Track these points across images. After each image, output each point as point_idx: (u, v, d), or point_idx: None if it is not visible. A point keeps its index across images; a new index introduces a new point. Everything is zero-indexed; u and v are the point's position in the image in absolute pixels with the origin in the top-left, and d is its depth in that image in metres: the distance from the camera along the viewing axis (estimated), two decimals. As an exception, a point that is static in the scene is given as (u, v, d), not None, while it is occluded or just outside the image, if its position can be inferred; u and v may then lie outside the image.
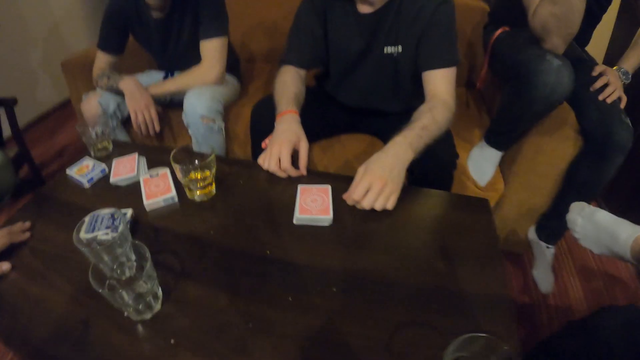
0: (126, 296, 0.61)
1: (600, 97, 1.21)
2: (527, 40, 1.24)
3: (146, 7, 1.42)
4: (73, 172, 0.98)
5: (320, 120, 1.33)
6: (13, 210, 0.82)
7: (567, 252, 1.66)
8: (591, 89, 1.24)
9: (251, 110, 1.27)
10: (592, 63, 1.37)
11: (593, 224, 0.93)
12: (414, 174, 1.07)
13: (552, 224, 1.41)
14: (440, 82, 1.10)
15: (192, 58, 1.45)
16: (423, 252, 0.78)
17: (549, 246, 1.44)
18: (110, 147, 1.09)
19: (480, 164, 1.39)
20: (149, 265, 0.62)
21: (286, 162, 0.96)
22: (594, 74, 1.28)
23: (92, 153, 1.07)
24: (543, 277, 1.46)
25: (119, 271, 0.68)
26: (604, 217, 0.92)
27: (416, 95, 1.18)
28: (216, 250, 0.78)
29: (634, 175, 1.81)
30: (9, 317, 0.68)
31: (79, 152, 2.20)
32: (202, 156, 0.91)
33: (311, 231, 0.82)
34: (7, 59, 2.29)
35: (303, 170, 0.98)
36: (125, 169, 0.98)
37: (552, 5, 1.09)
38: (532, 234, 1.48)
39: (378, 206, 0.85)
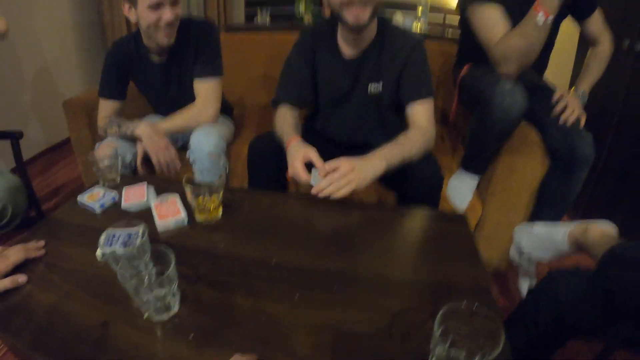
0: (148, 294, 0.67)
1: (561, 121, 1.36)
2: (485, 71, 1.42)
3: (147, 51, 1.48)
4: (84, 198, 1.05)
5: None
6: (13, 243, 0.87)
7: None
8: (552, 115, 1.39)
9: (249, 145, 1.36)
10: (551, 88, 1.53)
11: (534, 236, 1.12)
12: (407, 194, 1.20)
13: None
14: (418, 113, 1.27)
15: (191, 101, 1.50)
16: (412, 254, 0.89)
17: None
18: (118, 179, 1.17)
19: (459, 190, 1.51)
20: (172, 267, 0.69)
21: (300, 169, 1.11)
22: (554, 99, 1.43)
23: (101, 182, 1.15)
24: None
25: (136, 279, 0.74)
26: (540, 228, 1.12)
27: (400, 128, 1.30)
28: (227, 259, 0.85)
29: (605, 189, 1.97)
30: (27, 322, 0.70)
31: (74, 191, 2.27)
32: (208, 184, 0.99)
33: (313, 240, 0.92)
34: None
35: (321, 167, 1.09)
36: (136, 195, 1.06)
37: (520, 39, 1.27)
38: (512, 252, 1.57)
39: (333, 188, 1.01)
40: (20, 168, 1.76)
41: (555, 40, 1.57)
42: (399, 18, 2.88)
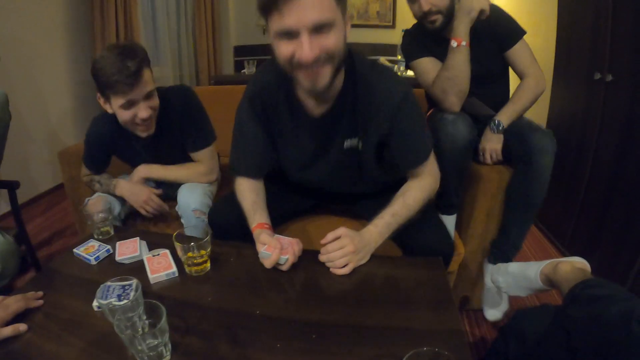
0: (142, 344, 0.74)
1: (486, 161, 1.55)
2: (437, 111, 1.56)
3: (132, 135, 1.43)
4: (80, 251, 1.11)
5: (284, 203, 1.37)
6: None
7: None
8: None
9: (208, 215, 1.34)
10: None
11: (510, 275, 1.20)
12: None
13: (504, 247, 1.56)
14: (418, 170, 1.17)
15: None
16: (387, 302, 0.96)
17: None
18: (112, 231, 1.24)
19: None
20: (163, 321, 0.76)
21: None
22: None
23: (95, 236, 1.21)
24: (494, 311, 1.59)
25: (131, 329, 0.81)
26: (514, 267, 1.21)
27: (384, 175, 1.26)
28: (215, 312, 0.92)
29: (588, 219, 2.11)
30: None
31: (66, 237, 2.33)
32: (197, 239, 1.06)
33: (293, 292, 0.99)
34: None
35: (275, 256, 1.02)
36: (129, 249, 1.12)
37: (447, 70, 1.45)
38: (488, 281, 1.58)
39: (340, 264, 1.02)
40: (17, 217, 1.82)
41: (509, 75, 1.68)
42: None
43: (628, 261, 1.74)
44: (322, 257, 1.05)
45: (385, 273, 1.06)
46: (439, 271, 1.08)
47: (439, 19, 1.48)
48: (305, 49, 0.89)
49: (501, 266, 1.26)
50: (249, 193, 1.21)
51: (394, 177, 1.24)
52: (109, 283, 0.90)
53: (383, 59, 3.54)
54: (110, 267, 1.08)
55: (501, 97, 1.65)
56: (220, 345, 0.81)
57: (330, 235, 1.05)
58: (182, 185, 1.48)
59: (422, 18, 1.50)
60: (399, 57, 3.12)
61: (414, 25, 1.68)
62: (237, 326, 0.87)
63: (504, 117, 1.53)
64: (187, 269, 1.05)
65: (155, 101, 1.36)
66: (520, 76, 1.58)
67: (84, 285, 1.00)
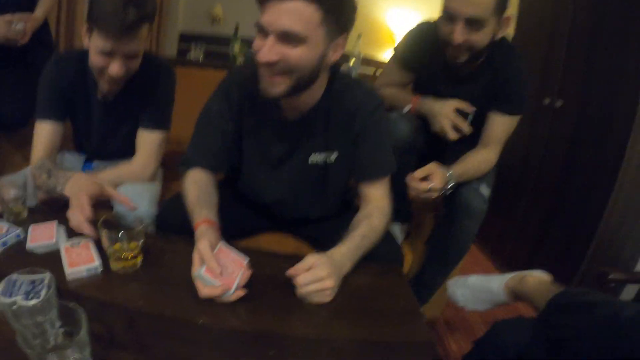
0: (54, 363, 0.58)
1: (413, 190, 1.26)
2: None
3: (93, 82, 1.25)
4: (-17, 233, 0.91)
5: (236, 219, 1.18)
6: None
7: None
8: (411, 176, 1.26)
9: (157, 217, 1.17)
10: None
11: (469, 288, 1.20)
12: None
13: (418, 287, 1.50)
14: (376, 190, 1.11)
15: (124, 147, 1.32)
16: (352, 312, 0.88)
17: None
18: (25, 213, 1.03)
19: None
20: (83, 331, 0.61)
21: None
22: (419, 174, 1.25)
23: (5, 217, 1.00)
24: None
25: (40, 339, 0.64)
26: (475, 279, 1.18)
27: (342, 201, 1.23)
28: (147, 317, 0.77)
29: (527, 240, 2.17)
30: None
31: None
32: (128, 229, 0.90)
33: (244, 298, 0.84)
34: None
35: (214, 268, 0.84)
36: (43, 235, 0.93)
37: (387, 99, 1.39)
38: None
39: (320, 299, 0.87)
40: None
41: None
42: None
43: (567, 277, 1.80)
44: (300, 292, 0.87)
45: (344, 280, 0.96)
46: (400, 279, 1.03)
47: (465, 56, 1.26)
48: (264, 50, 0.89)
49: (459, 279, 1.23)
50: (196, 186, 1.06)
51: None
52: (14, 276, 0.72)
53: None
54: (19, 256, 0.89)
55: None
56: (154, 363, 0.68)
57: (300, 266, 0.88)
58: (118, 189, 1.18)
59: (447, 45, 1.26)
60: (351, 63, 3.08)
61: (431, 28, 1.38)
62: (174, 338, 0.73)
63: (458, 171, 1.30)
64: (112, 265, 0.89)
65: (135, 64, 1.19)
66: (484, 143, 1.40)
67: None
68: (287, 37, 0.87)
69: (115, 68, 1.12)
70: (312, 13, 0.86)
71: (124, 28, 1.06)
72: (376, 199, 1.10)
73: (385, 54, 3.81)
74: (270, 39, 0.88)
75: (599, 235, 1.72)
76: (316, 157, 1.10)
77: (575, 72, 1.94)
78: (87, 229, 0.94)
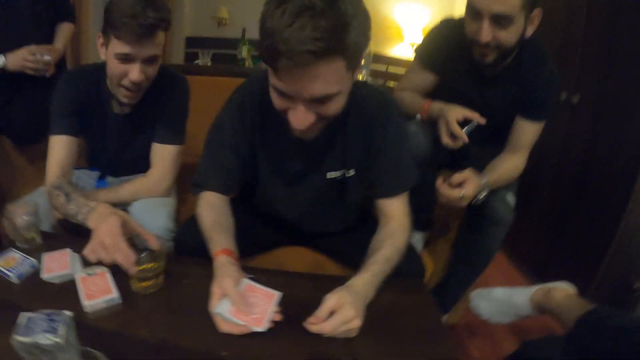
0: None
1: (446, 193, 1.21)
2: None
3: (108, 96, 1.24)
4: (-1, 264, 0.89)
5: (253, 234, 1.17)
6: None
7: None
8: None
9: (175, 239, 1.13)
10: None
11: (493, 301, 1.16)
12: None
13: (442, 296, 1.47)
14: (397, 206, 1.05)
15: (138, 162, 1.31)
16: (377, 333, 0.84)
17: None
18: (39, 239, 1.02)
19: None
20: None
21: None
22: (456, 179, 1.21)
23: (18, 244, 0.99)
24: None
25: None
26: (499, 292, 1.16)
27: (361, 212, 1.18)
28: (171, 351, 0.75)
29: (546, 236, 2.12)
30: None
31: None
32: (149, 248, 0.89)
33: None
34: None
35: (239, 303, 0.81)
36: (58, 265, 0.91)
37: (404, 104, 1.36)
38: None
39: (340, 333, 0.80)
40: None
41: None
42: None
43: (585, 279, 1.74)
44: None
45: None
46: (423, 295, 1.00)
47: (493, 55, 1.20)
48: (299, 117, 0.81)
49: (482, 292, 1.20)
50: (211, 210, 1.02)
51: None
52: (31, 314, 0.70)
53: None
54: (37, 288, 0.87)
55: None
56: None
57: (321, 314, 0.80)
58: (134, 205, 1.21)
59: (474, 44, 1.21)
60: (362, 62, 3.05)
61: (455, 26, 1.32)
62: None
63: (491, 179, 1.25)
64: (133, 285, 0.87)
65: (153, 71, 1.18)
66: (513, 149, 1.35)
67: (5, 310, 0.77)
68: (322, 101, 0.79)
69: (135, 73, 1.11)
70: (341, 67, 0.76)
71: (144, 30, 1.06)
72: (398, 215, 1.04)
73: (394, 50, 3.76)
74: (300, 106, 0.80)
75: (619, 235, 1.65)
76: (334, 174, 1.05)
77: (592, 65, 1.87)
78: (133, 270, 0.88)
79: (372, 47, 2.85)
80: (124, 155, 1.35)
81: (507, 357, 1.00)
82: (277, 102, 0.83)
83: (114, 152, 1.35)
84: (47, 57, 1.53)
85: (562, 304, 0.98)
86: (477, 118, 1.22)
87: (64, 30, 1.71)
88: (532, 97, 1.28)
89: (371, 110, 1.00)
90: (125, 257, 0.88)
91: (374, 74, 3.15)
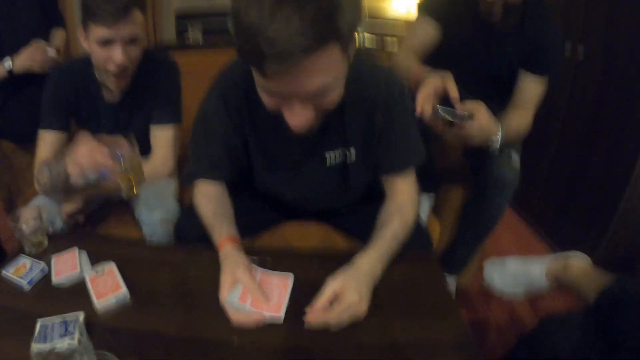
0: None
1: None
2: None
3: (98, 87, 1.26)
4: (10, 273, 0.90)
5: (255, 213, 1.17)
6: None
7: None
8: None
9: (174, 228, 1.14)
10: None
11: (507, 273, 1.11)
12: None
13: (449, 261, 1.51)
14: (405, 181, 1.01)
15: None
16: (383, 311, 0.83)
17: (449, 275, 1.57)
18: (46, 242, 1.03)
19: None
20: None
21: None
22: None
23: (26, 249, 1.00)
24: None
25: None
26: (513, 263, 1.12)
27: (367, 189, 1.12)
28: (183, 343, 0.76)
29: (555, 196, 2.09)
30: None
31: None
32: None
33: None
34: None
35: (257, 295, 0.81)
36: (67, 266, 0.92)
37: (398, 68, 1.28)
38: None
39: (345, 320, 0.77)
40: None
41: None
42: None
43: (596, 234, 1.74)
44: (334, 328, 0.77)
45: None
46: (432, 267, 0.99)
47: (499, 12, 1.21)
48: (297, 116, 0.73)
49: (496, 262, 1.16)
50: (209, 200, 1.00)
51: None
52: (46, 321, 0.71)
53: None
54: (47, 293, 0.88)
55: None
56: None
57: (324, 299, 0.77)
58: (145, 188, 1.22)
59: (480, 1, 1.22)
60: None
61: None
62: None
63: (504, 130, 1.13)
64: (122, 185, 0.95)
65: (136, 51, 1.18)
66: (518, 105, 1.32)
67: (16, 320, 0.80)
68: (320, 94, 0.71)
69: (117, 55, 1.12)
70: (336, 53, 0.67)
71: (119, 11, 1.07)
72: (407, 190, 1.00)
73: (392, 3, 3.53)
74: (296, 104, 0.72)
75: (631, 189, 1.62)
76: (334, 154, 0.99)
77: (598, 14, 1.79)
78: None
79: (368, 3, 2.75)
80: None
81: (522, 336, 0.97)
82: (269, 102, 0.75)
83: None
84: (52, 53, 1.55)
85: (581, 278, 0.95)
86: (454, 93, 1.04)
87: (58, 37, 1.74)
88: (535, 51, 1.27)
89: (374, 89, 0.92)
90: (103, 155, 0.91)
91: (371, 35, 3.04)
